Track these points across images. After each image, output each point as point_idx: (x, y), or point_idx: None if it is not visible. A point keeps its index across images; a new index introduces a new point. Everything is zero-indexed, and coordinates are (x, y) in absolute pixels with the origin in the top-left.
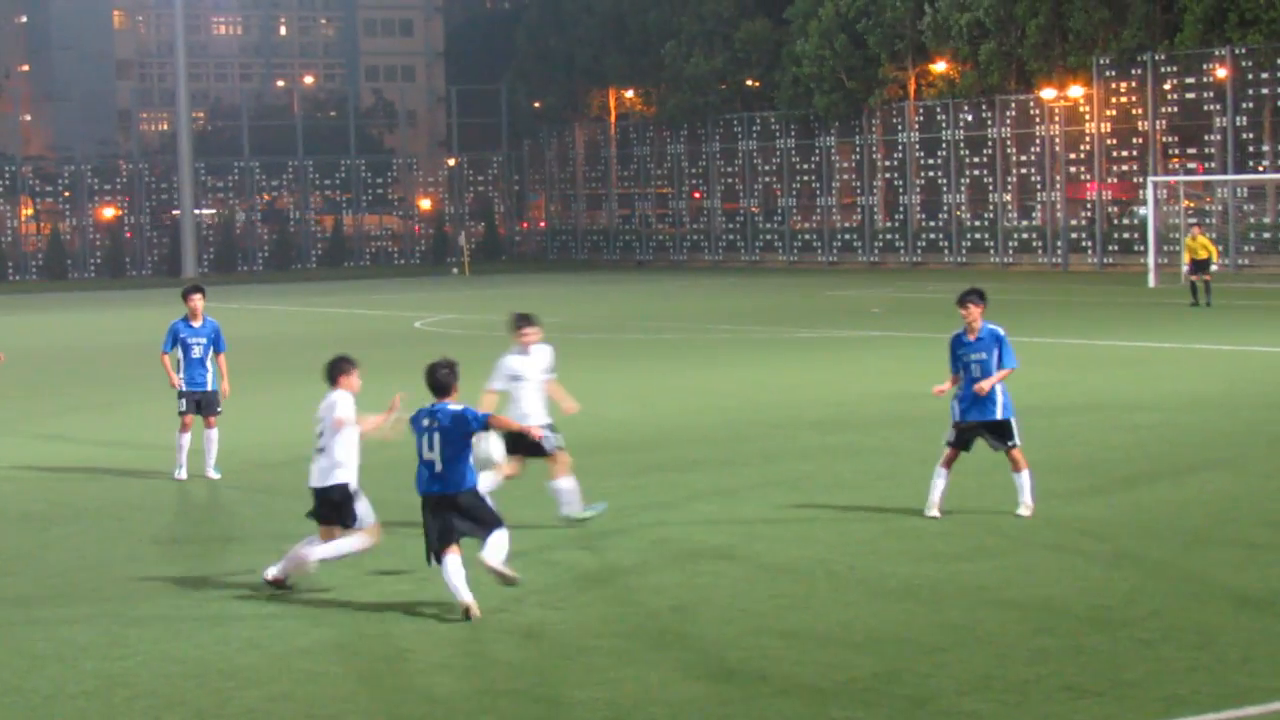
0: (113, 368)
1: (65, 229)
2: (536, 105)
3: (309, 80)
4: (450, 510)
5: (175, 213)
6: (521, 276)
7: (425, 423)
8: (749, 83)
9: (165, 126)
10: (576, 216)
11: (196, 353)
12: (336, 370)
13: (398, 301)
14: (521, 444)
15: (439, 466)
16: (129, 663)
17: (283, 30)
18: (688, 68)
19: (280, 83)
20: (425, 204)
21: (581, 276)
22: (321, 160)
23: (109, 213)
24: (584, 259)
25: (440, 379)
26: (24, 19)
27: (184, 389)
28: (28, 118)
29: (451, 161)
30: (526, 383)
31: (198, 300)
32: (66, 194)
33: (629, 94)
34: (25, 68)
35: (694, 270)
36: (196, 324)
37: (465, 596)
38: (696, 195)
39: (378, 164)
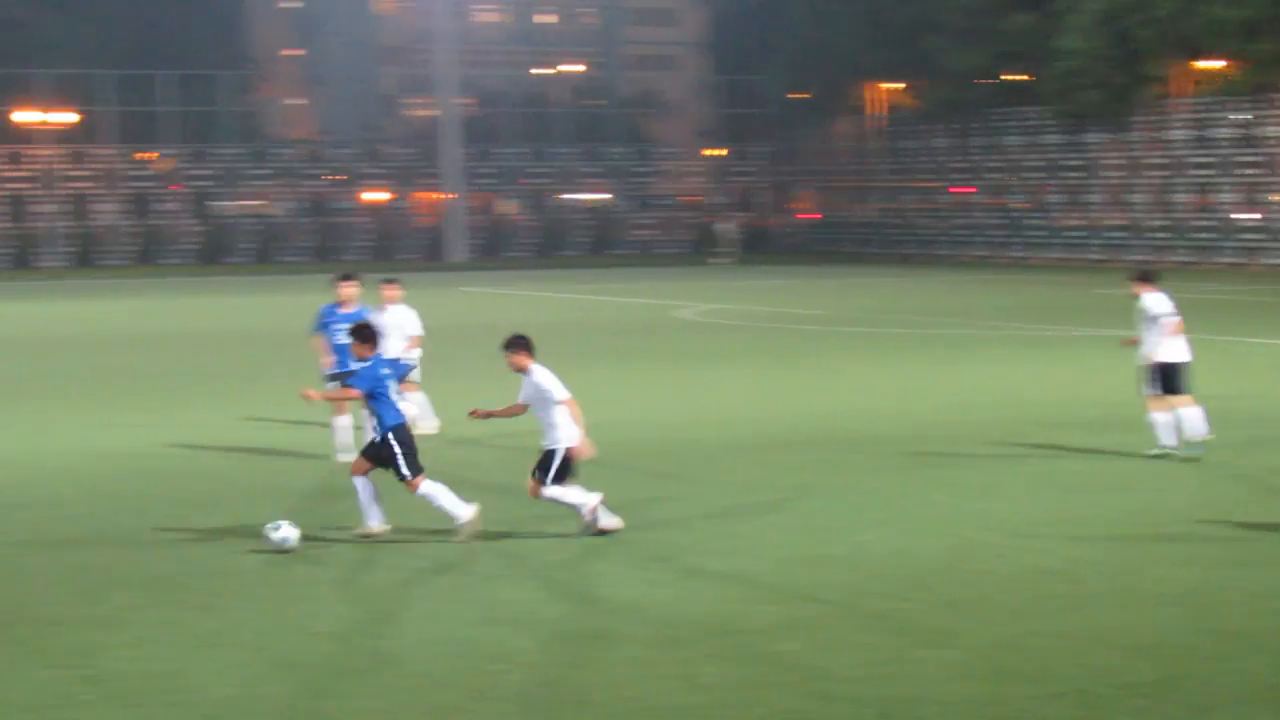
0: None
1: (330, 213)
2: (799, 97)
3: (572, 68)
4: None
5: (439, 198)
6: (785, 269)
7: None
8: (1015, 77)
9: (432, 112)
10: (840, 209)
11: (341, 338)
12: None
13: (659, 290)
14: None
15: None
16: (401, 642)
17: (547, 18)
18: (951, 61)
19: (544, 70)
20: (688, 194)
21: (845, 270)
22: (585, 149)
23: (374, 197)
24: (848, 252)
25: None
26: (291, 4)
27: (331, 371)
28: (296, 102)
29: (714, 151)
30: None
31: (347, 288)
32: (334, 178)
33: (892, 87)
34: (293, 52)
35: (959, 265)
36: (346, 310)
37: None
38: (962, 190)
39: (640, 153)
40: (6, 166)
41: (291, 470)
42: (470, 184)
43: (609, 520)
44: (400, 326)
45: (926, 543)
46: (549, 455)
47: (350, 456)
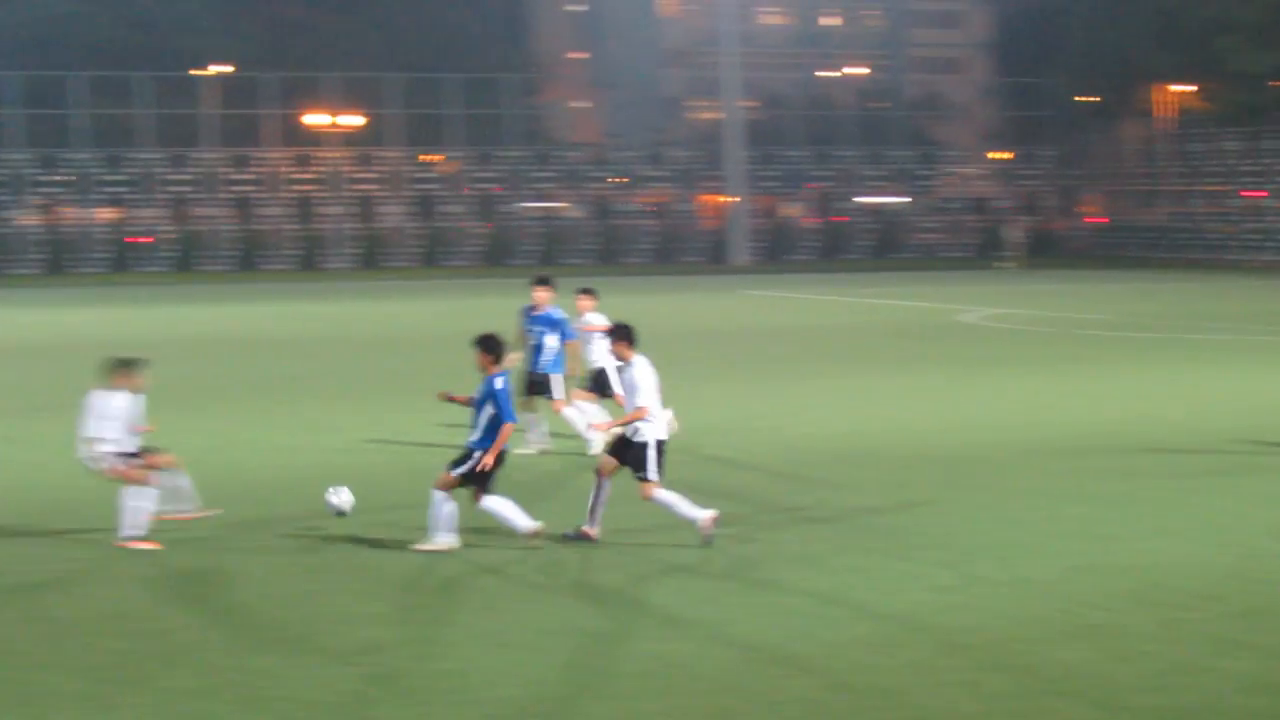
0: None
1: (613, 216)
2: (1087, 100)
3: (856, 71)
4: None
5: (722, 200)
6: (1070, 273)
7: None
8: None
9: (716, 115)
10: (1127, 213)
11: (531, 339)
12: None
13: (943, 294)
14: None
15: None
16: (685, 645)
17: (831, 20)
18: (1244, 62)
19: (828, 73)
20: (973, 197)
21: (1131, 274)
22: (868, 151)
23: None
24: (1134, 257)
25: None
26: (575, 8)
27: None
28: (580, 105)
29: (999, 155)
30: None
31: (539, 292)
32: (617, 180)
33: (1182, 89)
34: (577, 55)
35: (1249, 270)
36: (537, 313)
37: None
38: (1253, 194)
39: (924, 156)
40: (295, 169)
41: (553, 467)
42: (753, 187)
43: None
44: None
45: (1213, 551)
46: (641, 450)
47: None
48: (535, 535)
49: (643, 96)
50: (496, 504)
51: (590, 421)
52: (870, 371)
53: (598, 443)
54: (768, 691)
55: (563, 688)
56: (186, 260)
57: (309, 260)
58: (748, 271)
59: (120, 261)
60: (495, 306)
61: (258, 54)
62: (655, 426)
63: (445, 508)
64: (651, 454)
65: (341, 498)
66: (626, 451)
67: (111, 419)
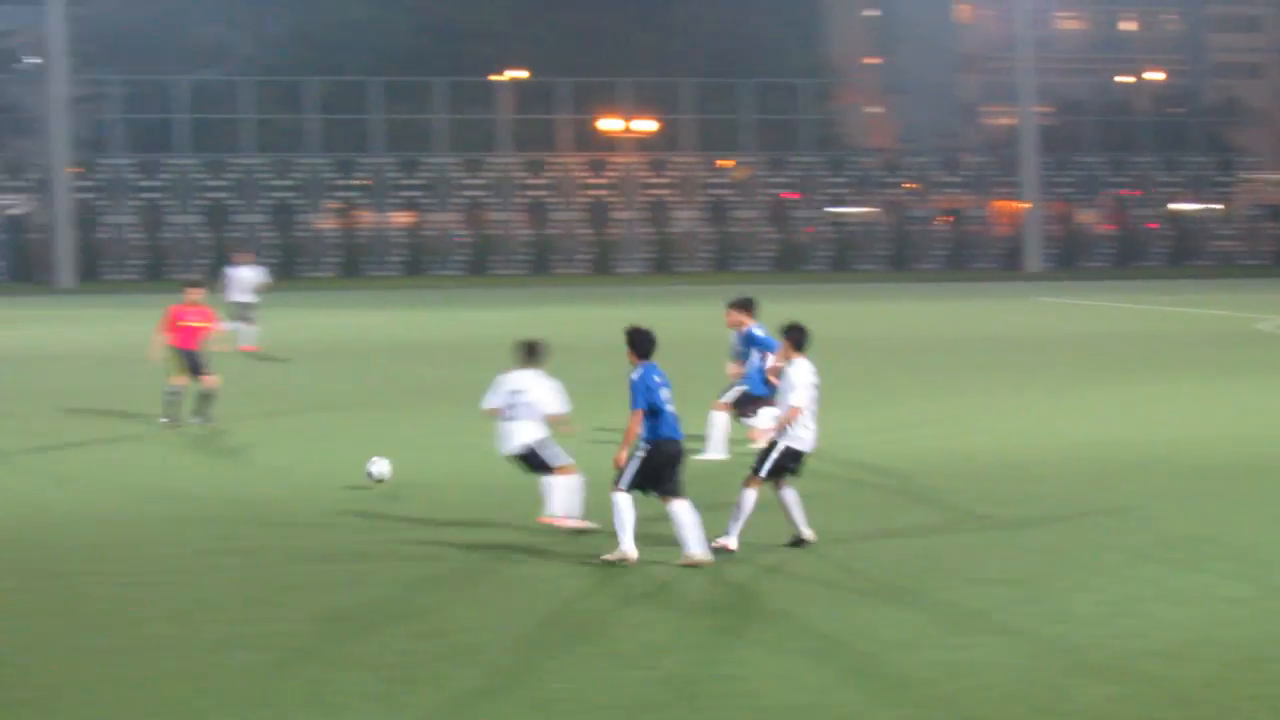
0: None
1: (906, 222)
2: None
3: (1154, 76)
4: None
5: (1016, 207)
6: None
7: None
8: None
9: (1010, 120)
10: None
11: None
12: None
13: (1239, 302)
14: None
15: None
16: (971, 653)
17: (1129, 25)
18: None
19: (1125, 78)
20: (1272, 204)
21: None
22: (1164, 158)
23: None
24: None
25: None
26: (871, 13)
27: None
28: (875, 110)
29: None
30: None
31: (732, 314)
32: (910, 186)
33: None
34: (872, 60)
35: None
36: (738, 333)
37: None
38: None
39: (1223, 163)
40: (588, 174)
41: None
42: (1048, 193)
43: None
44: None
45: None
46: (771, 449)
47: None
48: (620, 559)
49: (937, 102)
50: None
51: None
52: (1163, 380)
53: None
54: (1058, 701)
55: (849, 694)
56: (480, 264)
57: (601, 264)
58: (1041, 278)
59: (415, 265)
60: (783, 312)
61: (552, 59)
62: (800, 433)
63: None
64: (774, 455)
65: (380, 467)
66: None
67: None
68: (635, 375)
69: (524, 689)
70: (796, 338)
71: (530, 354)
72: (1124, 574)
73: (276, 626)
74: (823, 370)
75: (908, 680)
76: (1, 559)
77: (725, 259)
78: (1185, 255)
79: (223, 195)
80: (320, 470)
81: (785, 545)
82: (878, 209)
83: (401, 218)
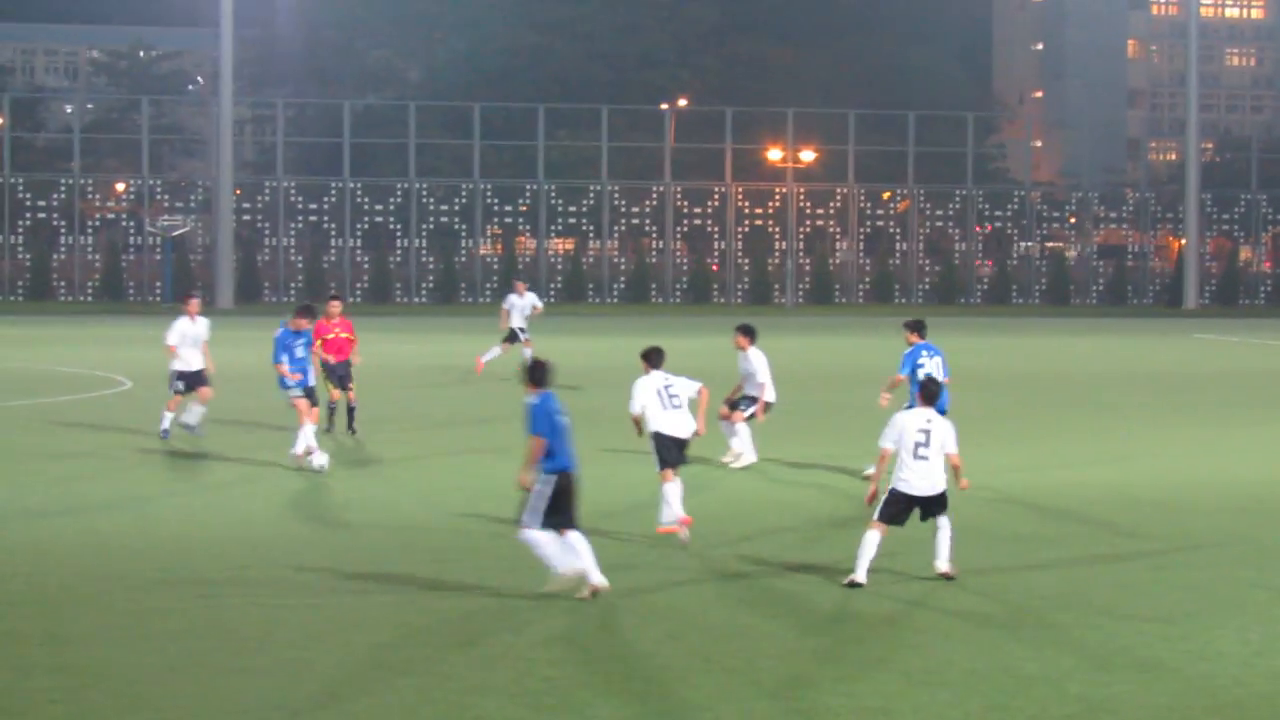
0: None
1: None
2: None
3: None
4: None
5: (1178, 243)
6: None
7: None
8: None
9: (1173, 156)
10: None
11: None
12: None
13: None
14: None
15: None
16: (1113, 690)
17: None
18: None
19: None
20: None
21: None
22: None
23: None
24: None
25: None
26: (1040, 46)
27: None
28: (1039, 144)
29: None
30: None
31: (914, 335)
32: (1072, 220)
33: None
34: (1038, 94)
35: None
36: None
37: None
38: None
39: None
40: (747, 204)
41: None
42: (1211, 229)
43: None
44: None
45: None
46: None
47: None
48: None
49: (1102, 136)
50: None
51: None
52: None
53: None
54: None
55: None
56: (639, 292)
57: (760, 294)
58: (1200, 315)
59: (574, 292)
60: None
61: (718, 88)
62: (904, 475)
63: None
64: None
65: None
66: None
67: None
68: (534, 401)
69: (664, 718)
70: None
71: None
72: (1272, 613)
73: (421, 652)
74: (979, 403)
75: (1047, 717)
76: (152, 579)
77: (884, 291)
78: None
79: (383, 219)
80: (471, 495)
81: (930, 578)
82: (1050, 244)
83: (562, 244)
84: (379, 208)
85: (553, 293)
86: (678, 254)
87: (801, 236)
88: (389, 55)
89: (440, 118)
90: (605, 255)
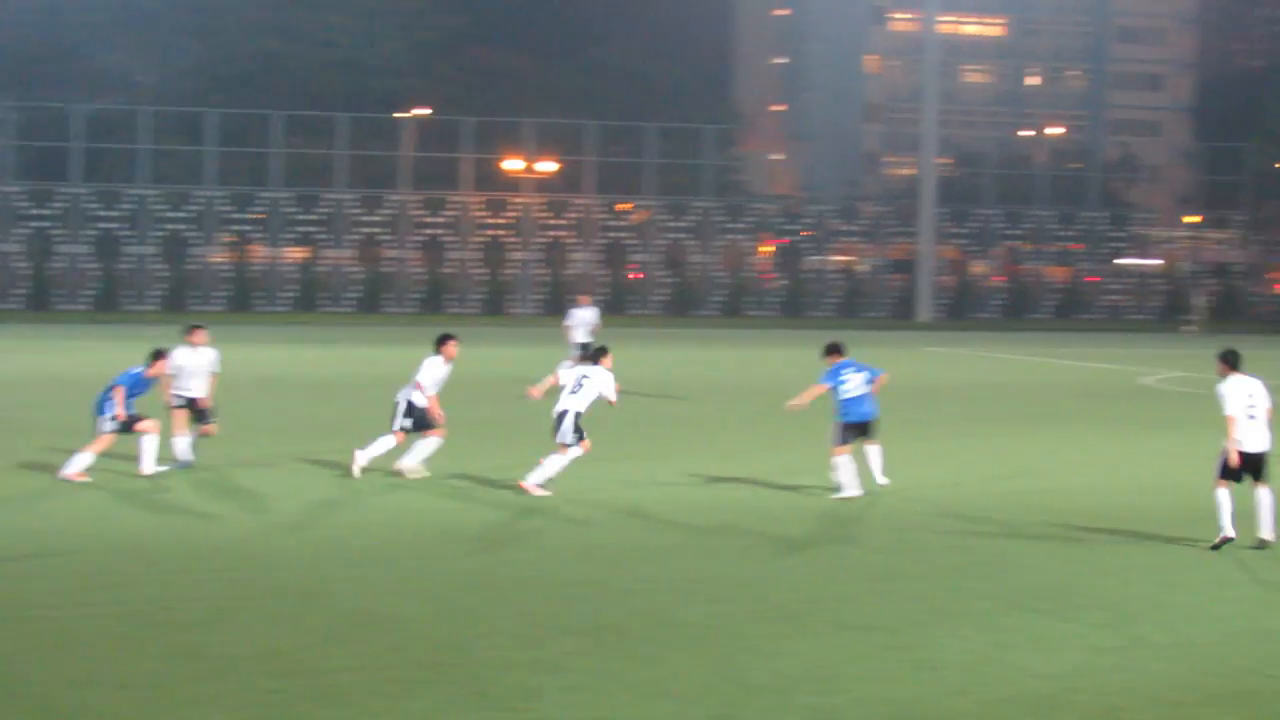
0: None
1: (799, 269)
2: None
3: (1055, 131)
4: None
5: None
6: (1258, 339)
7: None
8: None
9: (910, 171)
10: None
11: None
12: None
13: (1125, 356)
14: None
15: None
16: (839, 699)
17: (1032, 80)
18: None
19: (1026, 132)
20: (1160, 260)
21: None
22: (1061, 211)
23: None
24: None
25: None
26: (781, 60)
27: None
28: (777, 157)
29: (1191, 219)
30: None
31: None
32: (807, 234)
33: None
34: (778, 108)
35: None
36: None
37: None
38: None
39: (1117, 218)
40: (487, 214)
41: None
42: (943, 243)
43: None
44: None
45: None
46: None
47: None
48: None
49: (840, 151)
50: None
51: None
52: (1045, 431)
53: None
54: None
55: None
56: (373, 301)
57: (494, 304)
58: (932, 328)
59: (306, 301)
60: (679, 358)
61: (457, 98)
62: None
63: None
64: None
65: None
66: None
67: None
68: None
69: None
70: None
71: None
72: (996, 622)
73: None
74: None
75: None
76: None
77: (621, 302)
78: (1074, 309)
79: (114, 226)
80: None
81: (676, 586)
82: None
83: (295, 253)
84: (109, 214)
85: (287, 301)
86: (412, 263)
87: (539, 246)
88: (122, 59)
89: (174, 123)
90: (339, 264)
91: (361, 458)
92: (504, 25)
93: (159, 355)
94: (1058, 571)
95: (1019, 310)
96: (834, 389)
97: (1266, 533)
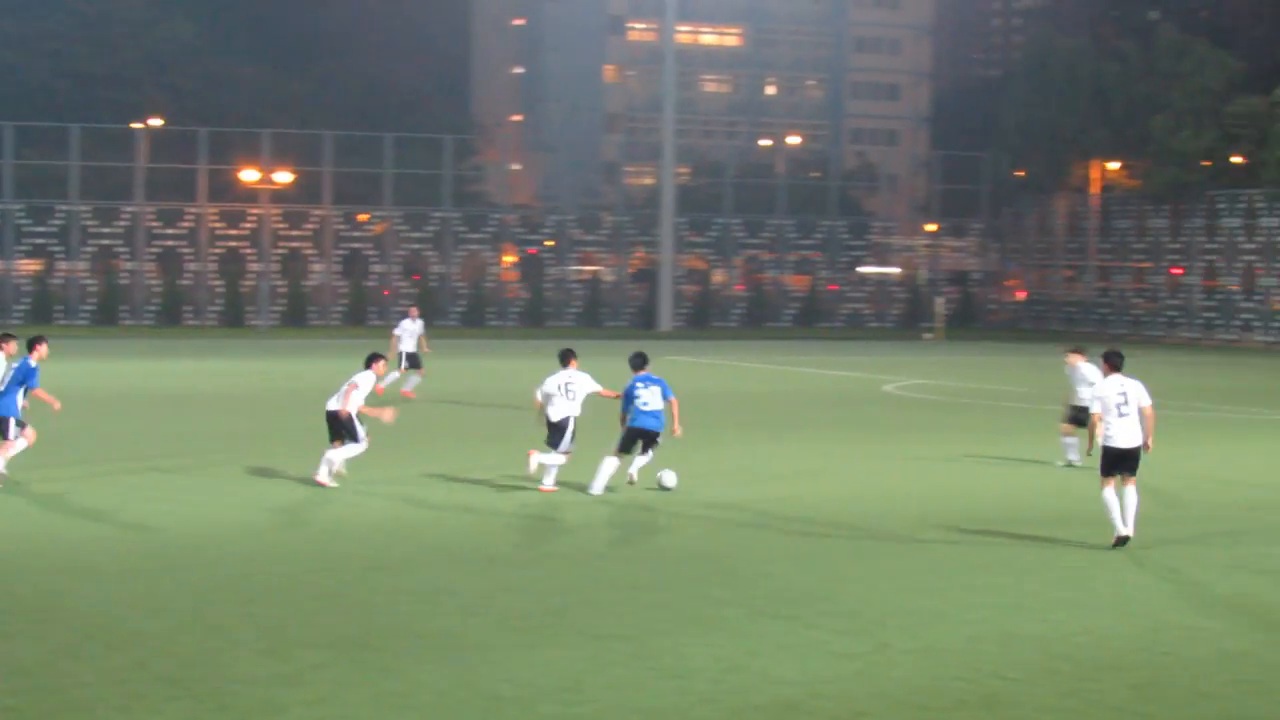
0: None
1: (543, 279)
2: (1018, 174)
3: (794, 141)
4: None
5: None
6: (994, 345)
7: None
8: (1236, 159)
9: (650, 180)
10: (1053, 287)
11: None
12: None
13: (866, 363)
14: None
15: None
16: (586, 709)
17: (771, 90)
18: (1176, 143)
19: (765, 142)
20: (900, 268)
21: (1054, 347)
22: (801, 220)
23: (589, 264)
24: (1059, 330)
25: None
26: (519, 70)
27: None
28: (516, 167)
29: (930, 227)
30: None
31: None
32: (549, 244)
33: (1112, 166)
34: (517, 118)
35: (1169, 346)
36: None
37: None
38: (1176, 271)
39: (856, 226)
40: (224, 225)
41: (463, 529)
42: (684, 253)
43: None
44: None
45: (1118, 622)
46: None
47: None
48: None
49: (580, 160)
50: None
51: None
52: (792, 439)
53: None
54: None
55: None
56: (109, 314)
57: (233, 316)
58: (674, 337)
59: (41, 313)
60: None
61: (193, 108)
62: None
63: None
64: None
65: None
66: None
67: None
68: None
69: None
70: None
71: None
72: (742, 629)
73: None
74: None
75: None
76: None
77: (360, 313)
78: (816, 317)
79: None
80: None
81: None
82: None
83: (29, 265)
84: None
85: (19, 315)
86: (149, 275)
87: (276, 258)
88: None
89: None
90: (74, 277)
91: (323, 472)
92: (239, 35)
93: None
94: (804, 579)
95: (760, 319)
96: (631, 397)
97: (1127, 529)
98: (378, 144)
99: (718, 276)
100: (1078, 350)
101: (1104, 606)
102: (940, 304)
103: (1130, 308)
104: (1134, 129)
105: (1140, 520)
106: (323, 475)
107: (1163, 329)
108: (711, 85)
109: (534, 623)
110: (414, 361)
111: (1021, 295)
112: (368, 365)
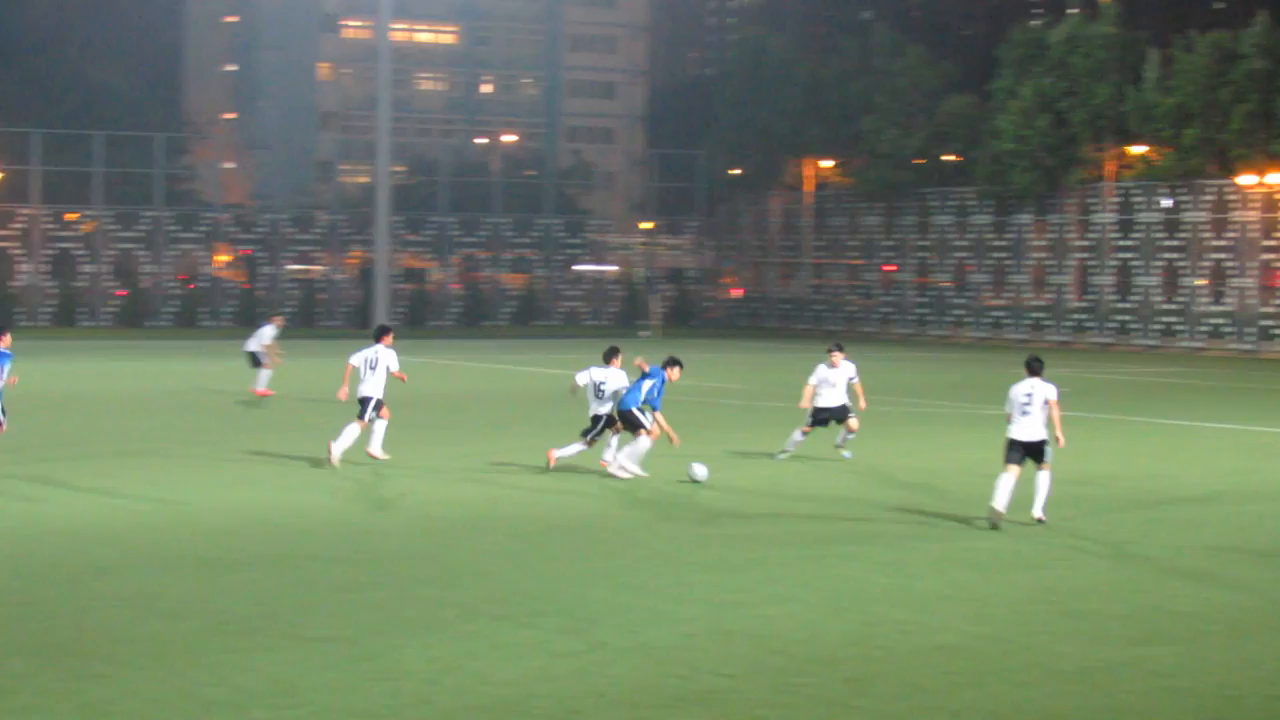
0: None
1: (260, 277)
2: (734, 173)
3: (509, 139)
4: None
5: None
6: (711, 342)
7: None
8: (948, 158)
9: (365, 179)
10: (768, 284)
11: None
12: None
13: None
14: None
15: None
16: (299, 712)
17: (487, 88)
18: (887, 142)
19: (481, 140)
20: (617, 266)
21: (770, 345)
22: (517, 218)
23: (304, 263)
24: (774, 327)
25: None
26: (232, 68)
27: None
28: (230, 166)
29: (646, 225)
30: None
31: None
32: (263, 242)
33: (826, 165)
34: (230, 116)
35: (883, 342)
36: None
37: None
38: (890, 268)
39: (573, 224)
40: None
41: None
42: (400, 251)
43: None
44: None
45: (832, 618)
46: None
47: None
48: None
49: (294, 159)
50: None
51: None
52: (505, 439)
53: None
54: None
55: None
56: None
57: None
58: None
59: None
60: (134, 370)
61: None
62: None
63: None
64: None
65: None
66: None
67: None
68: None
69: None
70: None
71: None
72: (457, 630)
73: None
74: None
75: None
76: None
77: (69, 314)
78: (532, 315)
79: None
80: None
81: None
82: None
83: None
84: None
85: None
86: None
87: None
88: None
89: None
90: None
91: (336, 449)
92: None
93: None
94: (518, 579)
95: (477, 317)
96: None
97: (1039, 511)
98: (87, 142)
99: (434, 275)
100: (839, 348)
101: (817, 602)
102: (656, 302)
103: (845, 304)
104: (848, 128)
105: (848, 515)
106: (375, 448)
107: (877, 325)
108: (427, 83)
109: (246, 626)
110: (256, 359)
111: (738, 293)
112: (378, 339)
